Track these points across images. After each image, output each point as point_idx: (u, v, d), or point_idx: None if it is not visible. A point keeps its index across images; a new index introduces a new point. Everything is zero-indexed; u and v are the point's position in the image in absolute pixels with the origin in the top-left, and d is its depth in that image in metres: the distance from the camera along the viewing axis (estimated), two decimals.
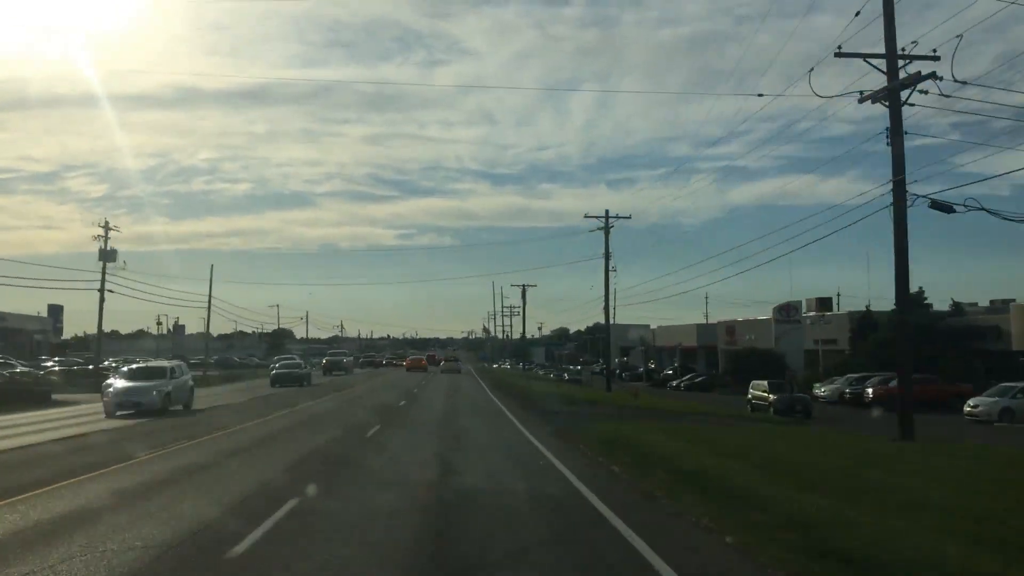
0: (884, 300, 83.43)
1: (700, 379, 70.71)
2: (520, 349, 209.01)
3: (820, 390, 49.83)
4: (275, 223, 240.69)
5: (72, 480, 12.87)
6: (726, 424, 26.78)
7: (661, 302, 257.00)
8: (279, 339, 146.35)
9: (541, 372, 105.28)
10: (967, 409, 35.98)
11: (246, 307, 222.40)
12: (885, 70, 21.20)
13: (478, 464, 15.53)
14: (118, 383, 27.68)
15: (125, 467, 14.61)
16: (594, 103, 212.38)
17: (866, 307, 58.89)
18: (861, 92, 21.27)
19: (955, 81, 19.57)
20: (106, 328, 61.90)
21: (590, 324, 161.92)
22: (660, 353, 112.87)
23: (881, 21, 21.20)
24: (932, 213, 19.91)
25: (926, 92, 20.04)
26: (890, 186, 20.91)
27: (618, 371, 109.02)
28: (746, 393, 42.98)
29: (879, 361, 45.27)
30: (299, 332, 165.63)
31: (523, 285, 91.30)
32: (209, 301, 66.72)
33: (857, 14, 21.56)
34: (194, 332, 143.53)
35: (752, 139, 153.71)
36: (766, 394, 39.84)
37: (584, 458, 16.05)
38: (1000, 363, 45.76)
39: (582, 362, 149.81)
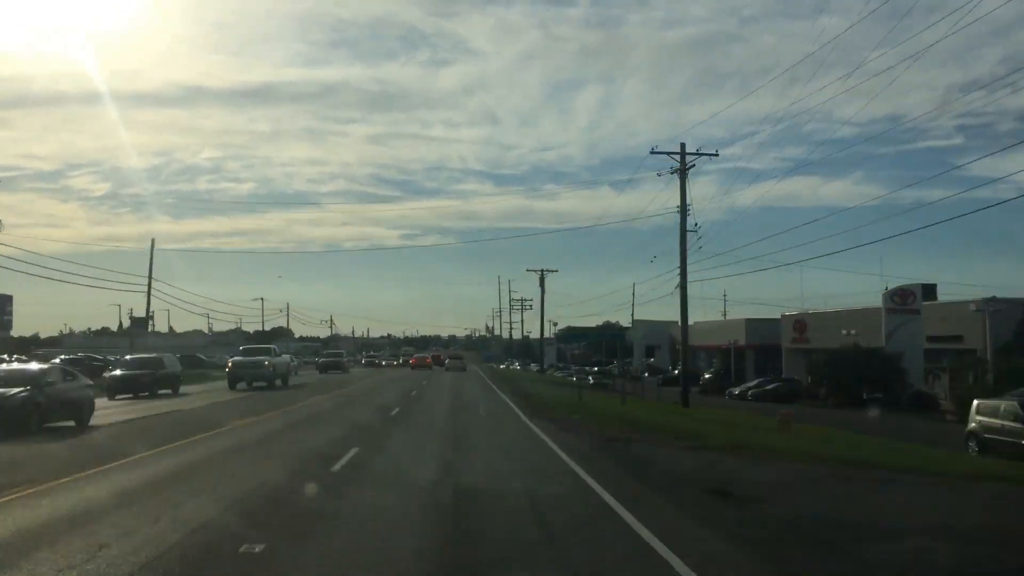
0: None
1: (773, 386, 56.57)
2: (528, 348, 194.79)
3: None
4: (278, 223, 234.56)
5: None
6: None
7: (658, 303, 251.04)
8: (271, 337, 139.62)
9: (559, 374, 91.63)
10: None
11: (247, 306, 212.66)
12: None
13: None
14: None
15: None
16: (598, 104, 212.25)
17: None
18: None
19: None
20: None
21: (599, 323, 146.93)
22: (695, 353, 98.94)
23: None
24: None
25: None
26: None
27: (645, 373, 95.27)
28: (854, 403, 29.18)
29: None
30: (284, 329, 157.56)
31: (542, 270, 76.33)
32: (149, 291, 53.25)
33: None
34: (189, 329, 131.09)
35: (756, 141, 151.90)
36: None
37: None
38: None
39: (596, 363, 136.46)
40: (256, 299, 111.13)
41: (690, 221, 38.25)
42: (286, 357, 44.44)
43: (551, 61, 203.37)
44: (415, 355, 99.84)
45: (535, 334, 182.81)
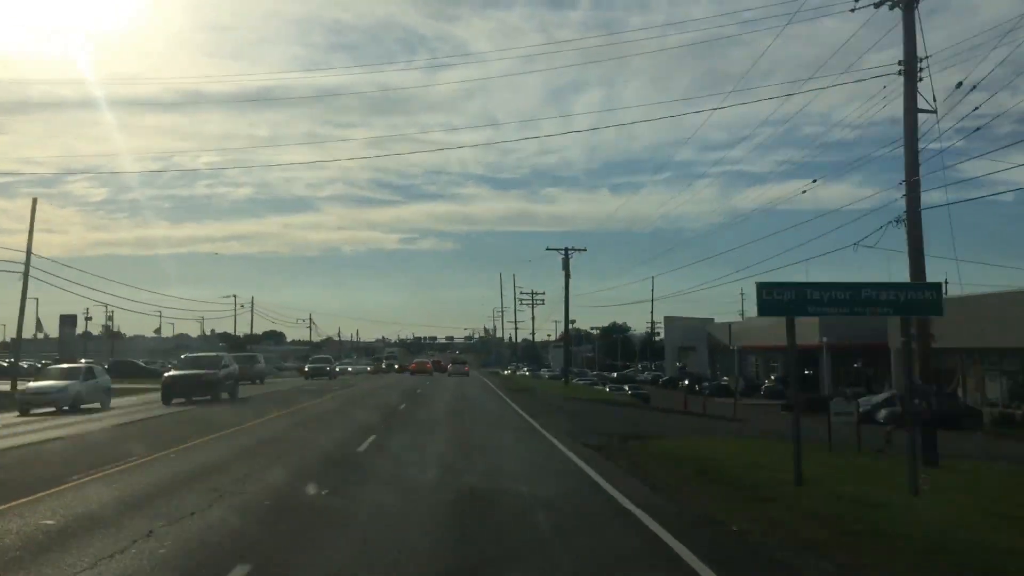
0: None
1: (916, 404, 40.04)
2: (533, 351, 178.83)
3: None
4: (276, 227, 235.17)
5: None
6: None
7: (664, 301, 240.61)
8: (260, 340, 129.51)
9: (580, 381, 75.59)
10: None
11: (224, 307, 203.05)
12: None
13: None
14: None
15: None
16: (598, 107, 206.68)
17: None
18: None
19: None
20: None
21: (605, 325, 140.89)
22: (741, 357, 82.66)
23: None
24: None
25: None
26: None
27: (683, 380, 78.96)
28: None
29: None
30: (274, 332, 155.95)
31: (565, 249, 59.44)
32: (24, 286, 38.50)
33: None
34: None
35: (757, 143, 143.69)
36: None
37: None
38: None
39: (611, 367, 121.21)
40: (227, 296, 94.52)
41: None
42: (234, 367, 38.06)
43: (552, 64, 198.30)
44: (415, 360, 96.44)
45: (542, 334, 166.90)
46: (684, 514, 10.00)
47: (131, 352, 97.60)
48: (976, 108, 16.81)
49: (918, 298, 12.72)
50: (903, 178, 16.93)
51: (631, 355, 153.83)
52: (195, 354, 41.75)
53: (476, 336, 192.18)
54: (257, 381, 47.89)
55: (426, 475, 13.13)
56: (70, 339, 73.52)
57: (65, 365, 34.67)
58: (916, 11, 16.70)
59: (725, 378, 76.11)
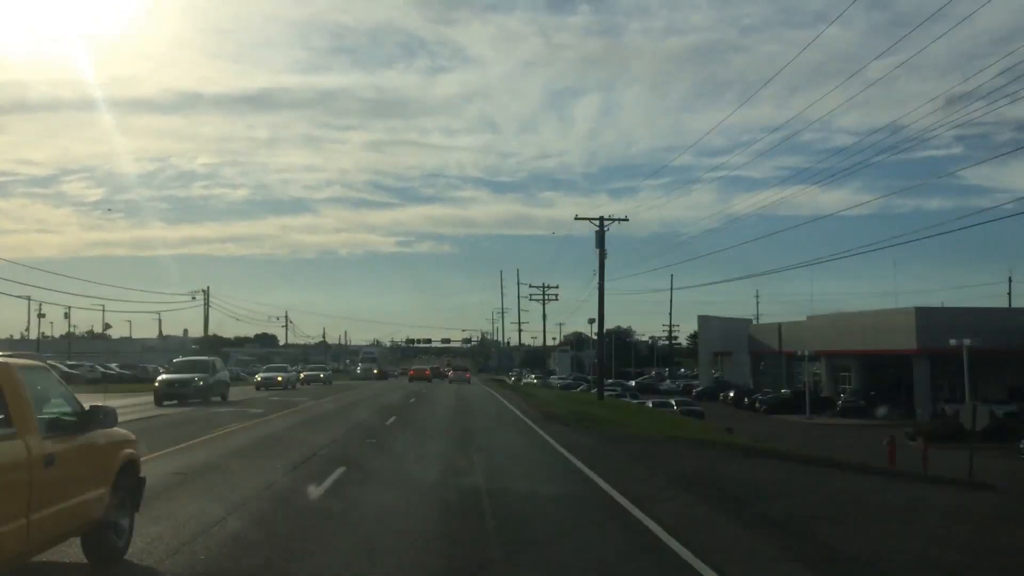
0: None
1: None
2: (535, 356, 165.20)
3: None
4: (274, 229, 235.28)
5: None
6: None
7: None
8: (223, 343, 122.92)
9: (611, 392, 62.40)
10: None
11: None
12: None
13: None
14: None
15: None
16: (597, 112, 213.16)
17: None
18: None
19: None
20: None
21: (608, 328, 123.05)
22: (792, 364, 69.60)
23: None
24: None
25: None
26: None
27: (730, 394, 66.05)
28: None
29: None
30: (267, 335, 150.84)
31: (601, 218, 45.10)
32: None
33: None
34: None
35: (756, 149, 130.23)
36: None
37: None
38: None
39: (624, 373, 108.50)
40: (191, 292, 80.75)
41: None
42: (225, 373, 39.58)
43: (551, 69, 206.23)
44: (413, 367, 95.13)
45: (550, 336, 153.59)
46: None
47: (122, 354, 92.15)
48: None
49: None
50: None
51: (638, 360, 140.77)
52: (188, 358, 42.90)
53: (474, 339, 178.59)
54: (217, 398, 35.07)
55: None
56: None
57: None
58: None
59: (785, 389, 62.83)
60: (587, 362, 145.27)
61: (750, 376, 76.65)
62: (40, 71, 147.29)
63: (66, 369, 50.71)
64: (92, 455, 6.93)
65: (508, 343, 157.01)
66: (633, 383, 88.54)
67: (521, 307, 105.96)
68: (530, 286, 73.10)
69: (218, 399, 34.88)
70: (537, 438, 20.98)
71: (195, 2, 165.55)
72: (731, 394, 64.58)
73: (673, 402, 48.99)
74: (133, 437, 8.03)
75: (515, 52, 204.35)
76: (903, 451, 25.61)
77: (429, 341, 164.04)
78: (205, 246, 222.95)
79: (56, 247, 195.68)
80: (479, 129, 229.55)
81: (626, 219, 40.85)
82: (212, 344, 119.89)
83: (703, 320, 78.38)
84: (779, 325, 71.20)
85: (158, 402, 32.05)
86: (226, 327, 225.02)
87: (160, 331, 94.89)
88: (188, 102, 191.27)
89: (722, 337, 76.95)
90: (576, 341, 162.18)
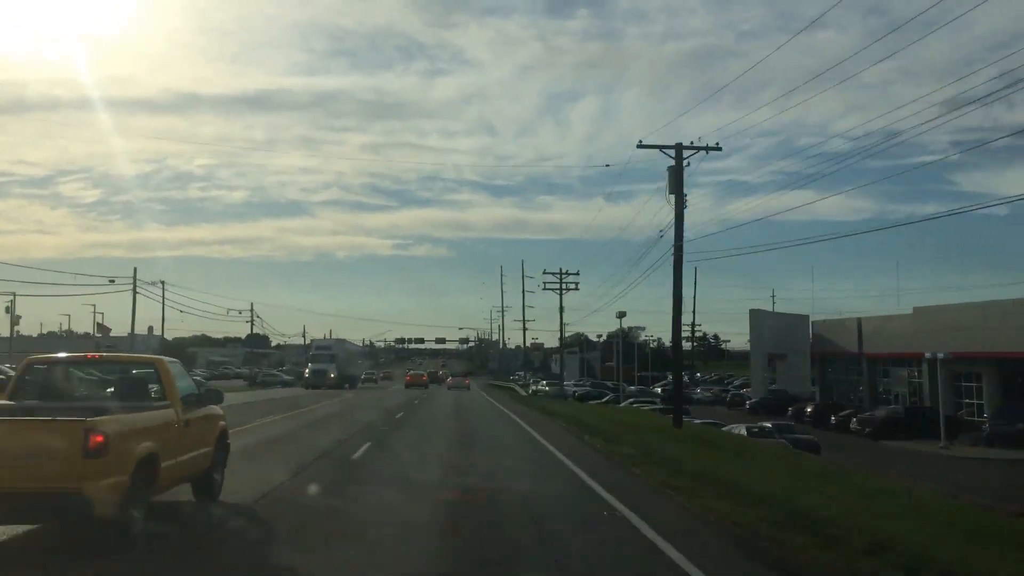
0: None
1: None
2: (540, 358, 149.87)
3: None
4: (270, 231, 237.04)
5: None
6: None
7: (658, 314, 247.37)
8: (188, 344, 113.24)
9: (647, 407, 47.94)
10: None
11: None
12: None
13: None
14: None
15: None
16: (595, 115, 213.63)
17: None
18: None
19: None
20: None
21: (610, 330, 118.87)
22: (875, 368, 55.47)
23: None
24: None
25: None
26: None
27: (806, 409, 51.80)
28: None
29: None
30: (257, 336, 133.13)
31: (679, 146, 30.40)
32: None
33: None
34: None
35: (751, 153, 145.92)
36: None
37: None
38: None
39: (640, 378, 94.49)
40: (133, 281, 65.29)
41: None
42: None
43: (549, 72, 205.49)
44: (410, 372, 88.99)
45: (550, 340, 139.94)
46: None
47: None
48: None
49: None
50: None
51: (645, 364, 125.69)
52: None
53: (472, 340, 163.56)
54: None
55: None
56: None
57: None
58: None
59: (888, 407, 48.31)
60: (594, 365, 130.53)
61: (811, 384, 62.11)
62: (38, 71, 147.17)
63: None
64: (206, 423, 10.35)
65: (507, 343, 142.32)
66: (659, 390, 74.40)
67: (526, 303, 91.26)
68: (545, 272, 58.32)
69: None
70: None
71: (194, 3, 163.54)
72: (807, 409, 50.06)
73: (768, 424, 34.39)
74: (223, 413, 11.25)
75: (514, 55, 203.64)
76: None
77: (422, 341, 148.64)
78: (202, 248, 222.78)
79: (52, 248, 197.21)
80: (477, 132, 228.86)
81: (719, 147, 26.41)
82: (174, 345, 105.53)
83: (755, 315, 63.80)
84: (858, 320, 56.68)
85: None
86: (200, 325, 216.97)
87: (96, 327, 78.95)
88: (186, 103, 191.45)
89: (776, 336, 62.35)
90: (580, 343, 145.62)
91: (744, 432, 31.14)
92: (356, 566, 7.72)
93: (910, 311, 51.33)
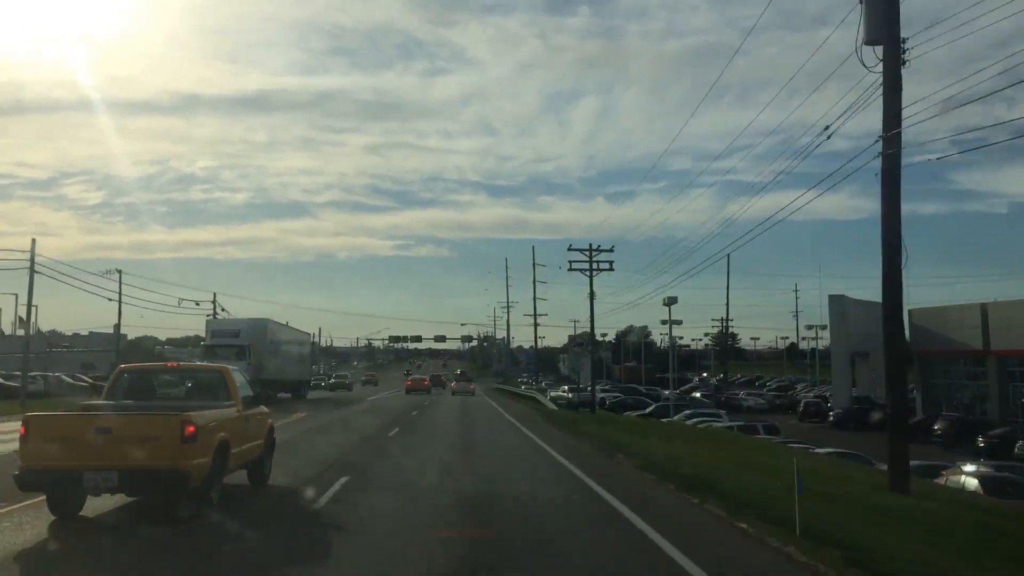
0: None
1: None
2: (546, 358, 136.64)
3: None
4: (272, 232, 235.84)
5: None
6: None
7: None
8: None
9: (716, 423, 34.87)
10: None
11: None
12: None
13: None
14: None
15: None
16: (595, 115, 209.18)
17: None
18: None
19: None
20: None
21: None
22: (1001, 368, 42.51)
23: None
24: None
25: None
26: None
27: (934, 429, 38.58)
28: None
29: None
30: None
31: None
32: None
33: None
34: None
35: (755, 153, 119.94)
36: None
37: None
38: None
39: (660, 380, 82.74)
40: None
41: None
42: None
43: (550, 71, 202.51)
44: (410, 376, 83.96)
45: (553, 339, 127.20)
46: None
47: None
48: None
49: None
50: None
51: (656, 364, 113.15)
52: None
53: (476, 338, 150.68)
54: None
55: None
56: None
57: None
58: None
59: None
60: (609, 367, 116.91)
61: (914, 390, 48.92)
62: (38, 72, 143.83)
63: None
64: (258, 419, 12.55)
65: (509, 341, 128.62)
66: (679, 392, 62.20)
67: (533, 300, 78.30)
68: (570, 248, 44.48)
69: None
70: None
71: (192, 3, 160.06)
72: (936, 428, 36.79)
73: (969, 466, 21.32)
74: (269, 411, 13.69)
75: (514, 54, 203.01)
76: None
77: (419, 339, 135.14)
78: (204, 249, 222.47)
79: (55, 250, 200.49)
80: (477, 132, 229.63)
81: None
82: (135, 344, 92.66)
83: (837, 303, 50.38)
84: (982, 306, 43.37)
85: None
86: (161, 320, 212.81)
87: (19, 322, 64.71)
88: (186, 103, 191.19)
89: (863, 329, 49.04)
90: (585, 342, 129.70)
91: (978, 484, 17.80)
92: None
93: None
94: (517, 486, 13.59)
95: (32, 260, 41.41)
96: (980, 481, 18.53)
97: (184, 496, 9.59)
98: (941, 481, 19.21)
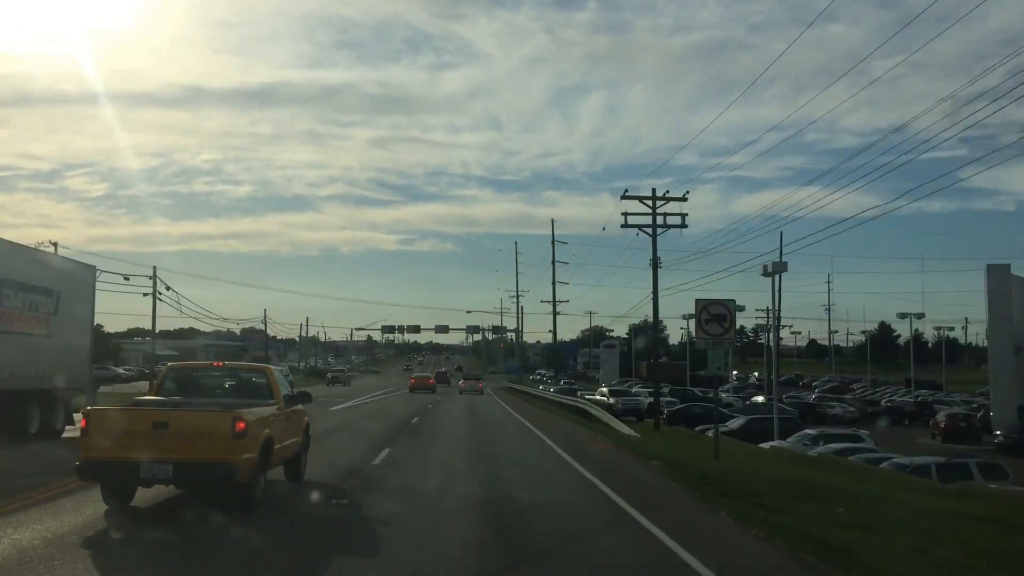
0: None
1: None
2: (556, 355, 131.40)
3: None
4: (276, 226, 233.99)
5: None
6: None
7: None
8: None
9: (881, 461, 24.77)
10: None
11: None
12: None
13: None
14: None
15: None
16: (602, 110, 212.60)
17: None
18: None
19: None
20: None
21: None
22: None
23: None
24: None
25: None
26: None
27: None
28: None
29: None
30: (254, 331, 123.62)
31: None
32: None
33: None
34: None
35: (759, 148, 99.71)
36: None
37: None
38: None
39: (689, 381, 76.50)
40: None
41: None
42: None
43: (557, 66, 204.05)
44: (415, 375, 78.76)
45: (564, 333, 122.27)
46: None
47: None
48: None
49: None
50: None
51: (674, 356, 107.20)
52: None
53: (485, 329, 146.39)
54: None
55: None
56: None
57: None
58: None
59: None
60: (656, 363, 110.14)
61: None
62: (43, 64, 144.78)
63: None
64: (297, 417, 13.09)
65: (521, 332, 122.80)
66: (760, 399, 57.11)
67: (544, 293, 73.01)
68: (625, 196, 35.92)
69: None
70: None
71: None
72: None
73: None
74: (305, 409, 13.93)
75: (521, 48, 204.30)
76: None
77: (418, 330, 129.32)
78: (207, 242, 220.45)
79: (58, 242, 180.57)
80: (483, 126, 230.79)
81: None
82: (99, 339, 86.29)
83: (997, 276, 40.29)
84: None
85: None
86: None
87: None
88: (192, 96, 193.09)
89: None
90: (594, 337, 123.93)
91: None
92: None
93: None
94: None
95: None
96: None
97: (231, 489, 10.05)
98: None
